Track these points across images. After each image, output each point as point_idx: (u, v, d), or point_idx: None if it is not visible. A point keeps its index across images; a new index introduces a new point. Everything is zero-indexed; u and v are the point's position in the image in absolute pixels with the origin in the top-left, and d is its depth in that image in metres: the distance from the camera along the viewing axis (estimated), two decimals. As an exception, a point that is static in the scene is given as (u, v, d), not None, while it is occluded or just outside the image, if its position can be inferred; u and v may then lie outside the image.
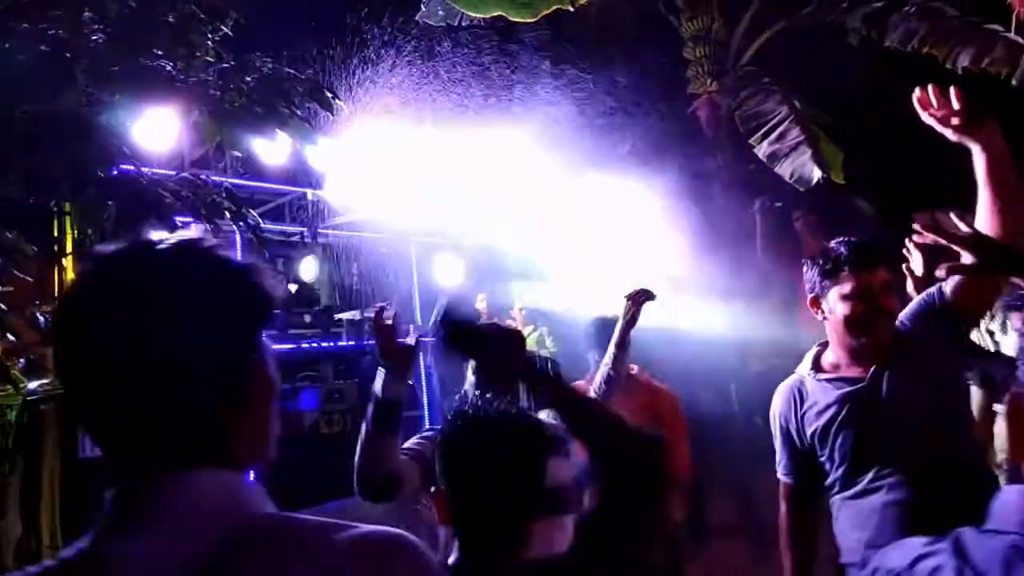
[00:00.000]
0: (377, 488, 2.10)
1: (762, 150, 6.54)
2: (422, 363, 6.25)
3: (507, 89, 5.60)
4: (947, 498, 1.91)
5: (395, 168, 5.25)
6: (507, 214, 5.88)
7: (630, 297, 3.22)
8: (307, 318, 5.52)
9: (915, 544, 0.96)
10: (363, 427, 2.12)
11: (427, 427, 2.79)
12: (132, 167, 2.97)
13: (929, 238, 1.64)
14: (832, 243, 2.21)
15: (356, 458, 2.09)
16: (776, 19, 7.20)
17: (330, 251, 5.62)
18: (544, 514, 1.35)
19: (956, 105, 1.92)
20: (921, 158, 7.60)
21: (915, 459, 2.08)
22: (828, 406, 2.19)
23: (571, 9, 6.17)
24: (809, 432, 2.22)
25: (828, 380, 2.23)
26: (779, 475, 2.37)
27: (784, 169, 6.39)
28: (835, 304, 2.16)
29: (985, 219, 1.95)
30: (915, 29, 6.45)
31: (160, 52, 2.86)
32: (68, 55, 2.71)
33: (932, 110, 1.97)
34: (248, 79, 2.98)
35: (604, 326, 3.59)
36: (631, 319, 3.20)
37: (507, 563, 1.35)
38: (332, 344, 5.52)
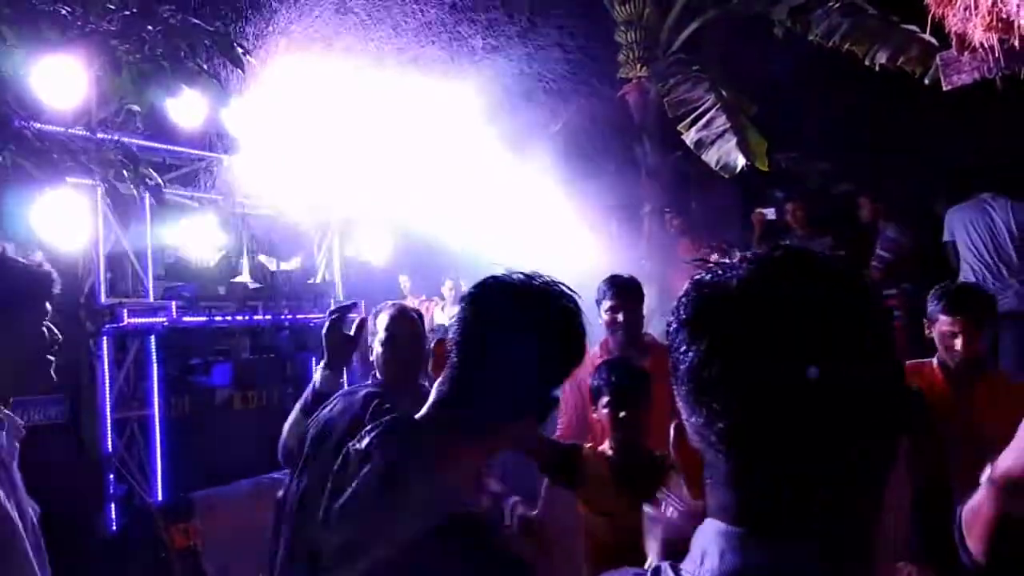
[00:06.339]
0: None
1: (689, 137, 6.63)
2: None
3: (436, 60, 5.49)
4: None
5: (316, 137, 5.08)
6: (433, 188, 5.79)
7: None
8: (221, 290, 5.32)
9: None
10: (296, 408, 2.46)
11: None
12: (20, 120, 2.75)
13: None
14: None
15: (283, 435, 2.43)
16: (705, 8, 7.30)
17: (247, 221, 5.40)
18: None
19: None
20: (841, 148, 7.90)
21: None
22: None
23: (504, -16, 6.11)
24: None
25: None
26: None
27: (710, 156, 6.48)
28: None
29: None
30: (837, 25, 6.62)
31: (55, -5, 2.65)
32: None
33: None
34: (151, 28, 2.80)
35: (621, 286, 3.55)
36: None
37: None
38: (247, 318, 5.33)
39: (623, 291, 3.31)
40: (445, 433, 1.23)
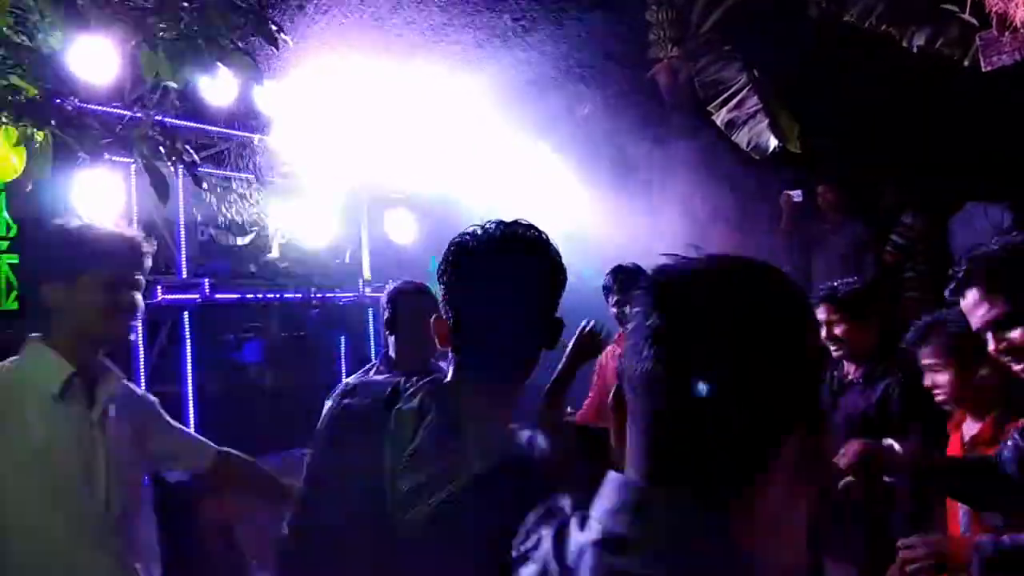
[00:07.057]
0: None
1: (720, 117, 6.56)
2: (371, 323, 6.17)
3: (465, 41, 5.47)
4: None
5: (347, 116, 5.10)
6: (464, 170, 5.78)
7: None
8: (252, 268, 5.37)
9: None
10: None
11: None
12: (60, 96, 2.79)
13: None
14: None
15: None
16: (738, -14, 7.18)
17: (280, 200, 5.44)
18: None
19: None
20: (875, 132, 7.73)
21: None
22: None
23: (534, -37, 6.05)
24: None
25: None
26: None
27: (741, 137, 6.42)
28: None
29: None
30: (873, 5, 6.48)
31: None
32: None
33: None
34: (187, 5, 2.82)
35: (625, 277, 3.53)
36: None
37: None
38: (278, 296, 5.39)
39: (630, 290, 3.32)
40: (483, 388, 1.32)
